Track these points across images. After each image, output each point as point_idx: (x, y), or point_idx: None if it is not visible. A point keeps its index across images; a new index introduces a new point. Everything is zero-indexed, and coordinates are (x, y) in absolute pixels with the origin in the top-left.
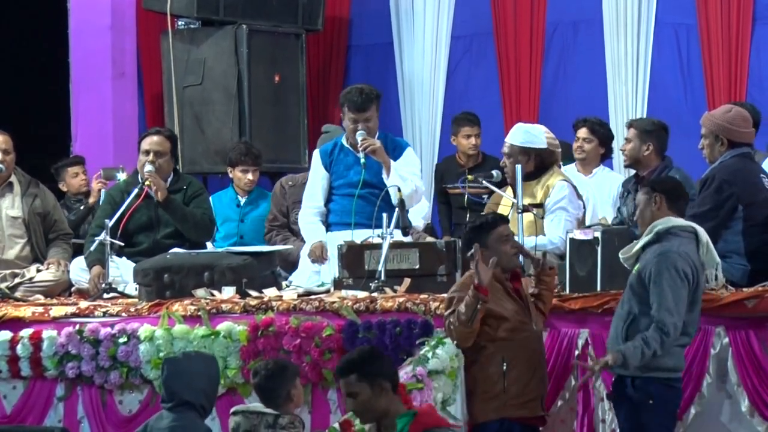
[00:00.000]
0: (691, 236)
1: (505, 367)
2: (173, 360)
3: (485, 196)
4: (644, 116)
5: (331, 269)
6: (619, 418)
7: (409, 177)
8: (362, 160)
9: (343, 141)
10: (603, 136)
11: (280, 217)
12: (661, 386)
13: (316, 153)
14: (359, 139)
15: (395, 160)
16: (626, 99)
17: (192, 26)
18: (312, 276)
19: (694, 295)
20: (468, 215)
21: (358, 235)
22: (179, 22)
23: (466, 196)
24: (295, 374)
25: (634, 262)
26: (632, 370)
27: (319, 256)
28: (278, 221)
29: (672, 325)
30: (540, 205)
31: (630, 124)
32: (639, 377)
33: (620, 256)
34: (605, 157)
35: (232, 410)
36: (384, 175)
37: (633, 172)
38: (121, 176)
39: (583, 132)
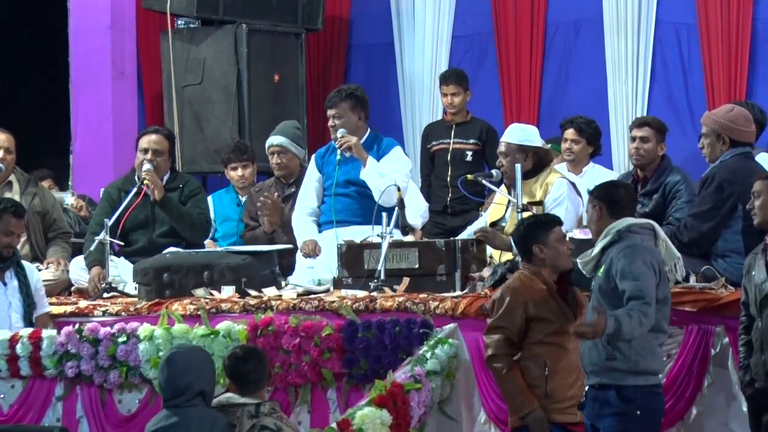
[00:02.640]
0: (650, 233)
1: (547, 372)
2: (163, 367)
3: (469, 152)
4: (645, 116)
5: (325, 266)
6: (598, 429)
7: (390, 173)
8: (338, 158)
9: (334, 142)
10: (590, 135)
11: (251, 223)
12: (647, 395)
13: (313, 156)
14: (338, 136)
15: (381, 158)
16: (626, 98)
17: (192, 26)
18: (306, 272)
19: (661, 292)
20: (450, 170)
21: (345, 233)
22: (179, 22)
23: (450, 151)
24: (267, 359)
25: (594, 267)
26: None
27: (311, 249)
28: (249, 228)
29: (648, 298)
30: (540, 203)
31: (645, 123)
32: (625, 386)
33: (578, 261)
34: (594, 155)
35: None
36: (362, 170)
37: (625, 169)
38: (69, 200)
39: (570, 133)
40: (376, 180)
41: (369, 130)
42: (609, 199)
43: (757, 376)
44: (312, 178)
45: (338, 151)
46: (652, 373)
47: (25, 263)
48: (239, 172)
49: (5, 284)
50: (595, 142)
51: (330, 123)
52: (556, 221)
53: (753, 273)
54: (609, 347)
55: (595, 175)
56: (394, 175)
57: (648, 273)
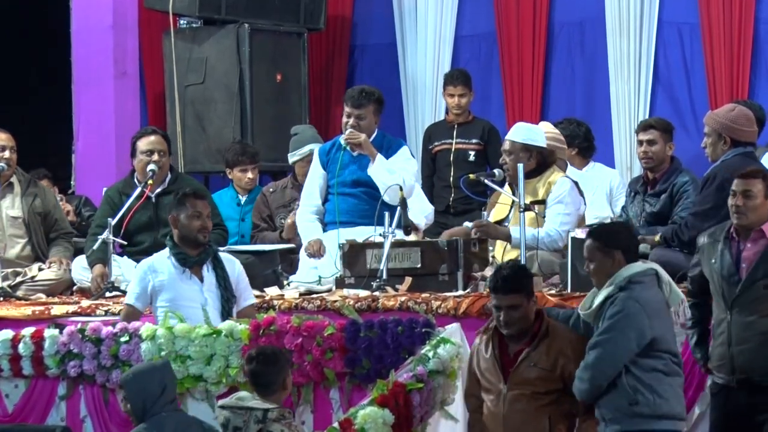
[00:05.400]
0: (652, 278)
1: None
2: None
3: (471, 153)
4: (647, 116)
5: (329, 265)
6: None
7: (399, 171)
8: (346, 156)
9: (341, 140)
10: (567, 136)
11: (262, 224)
12: None
13: (316, 152)
14: (346, 133)
15: (389, 157)
16: (629, 98)
17: (194, 25)
18: (310, 272)
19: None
20: (453, 170)
21: (354, 233)
22: (181, 21)
23: (452, 152)
24: (288, 362)
25: (595, 318)
26: None
27: (316, 250)
28: (258, 228)
29: (597, 376)
30: (543, 202)
31: (650, 125)
32: (648, 431)
33: (580, 312)
34: (587, 153)
35: (219, 404)
36: (370, 166)
37: (627, 169)
38: None
39: None
40: (384, 176)
41: (377, 130)
42: (625, 246)
43: (722, 369)
44: (316, 175)
45: (348, 150)
46: (677, 418)
47: (223, 255)
48: (249, 174)
49: (202, 280)
50: (575, 144)
51: (352, 122)
52: (496, 295)
53: (713, 261)
54: (631, 392)
55: (596, 173)
56: (402, 173)
57: (622, 338)
